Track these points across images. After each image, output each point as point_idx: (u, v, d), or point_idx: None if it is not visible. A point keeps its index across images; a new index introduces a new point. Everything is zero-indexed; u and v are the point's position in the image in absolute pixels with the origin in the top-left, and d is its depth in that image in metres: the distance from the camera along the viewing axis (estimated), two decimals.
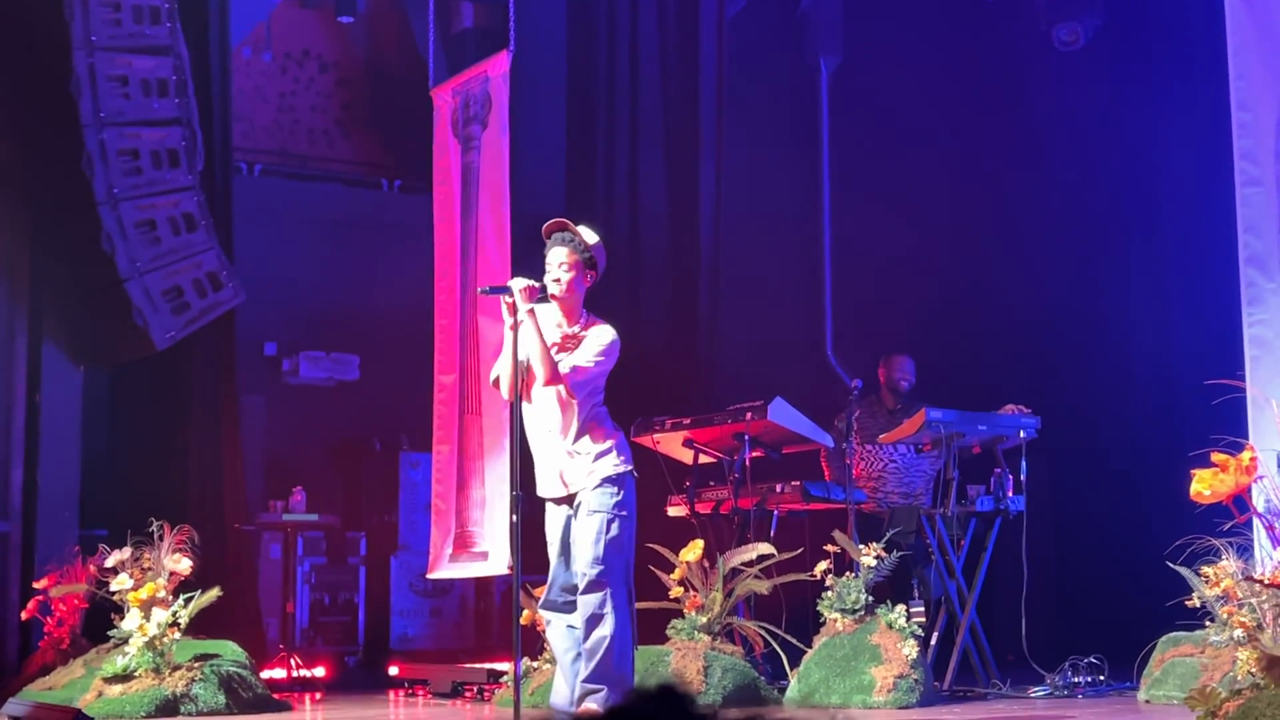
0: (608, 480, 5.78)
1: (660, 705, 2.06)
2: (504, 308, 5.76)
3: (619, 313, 5.97)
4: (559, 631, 5.82)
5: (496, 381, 5.89)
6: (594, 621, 5.69)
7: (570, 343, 5.85)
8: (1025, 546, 7.86)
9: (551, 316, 5.90)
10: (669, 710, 2.06)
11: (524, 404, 5.86)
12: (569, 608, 5.81)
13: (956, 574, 7.92)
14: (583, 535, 5.75)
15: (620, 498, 5.77)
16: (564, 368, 5.75)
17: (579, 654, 5.76)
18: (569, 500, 5.83)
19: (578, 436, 5.80)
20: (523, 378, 5.78)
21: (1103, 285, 10.84)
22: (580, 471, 5.81)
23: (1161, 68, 10.60)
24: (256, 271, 9.60)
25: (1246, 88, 7.58)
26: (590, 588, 5.70)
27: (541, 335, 5.74)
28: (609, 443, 5.83)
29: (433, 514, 9.10)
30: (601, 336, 5.86)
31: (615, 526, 5.73)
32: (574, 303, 5.88)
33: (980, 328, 11.11)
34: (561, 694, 5.79)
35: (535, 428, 5.90)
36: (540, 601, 5.92)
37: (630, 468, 5.86)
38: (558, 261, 5.84)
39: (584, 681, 5.68)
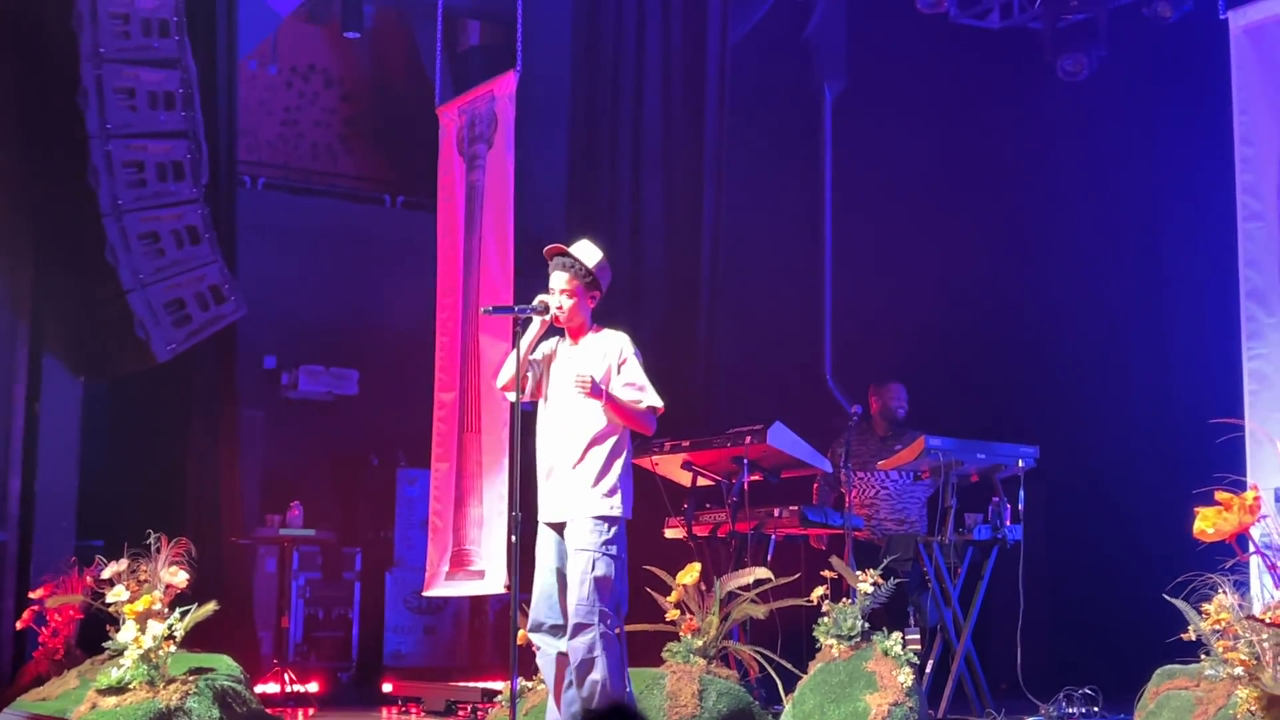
0: (599, 518, 5.71)
1: None
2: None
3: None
4: (548, 659, 5.80)
5: (504, 386, 5.91)
6: (585, 667, 5.62)
7: (579, 355, 5.87)
8: (1022, 576, 7.87)
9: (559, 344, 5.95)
10: None
11: (540, 422, 5.88)
12: (556, 633, 5.78)
13: (953, 602, 7.91)
14: (570, 575, 5.71)
15: (609, 536, 5.70)
16: (627, 396, 5.77)
17: (570, 683, 5.73)
18: (561, 528, 5.80)
19: (589, 462, 5.76)
20: (532, 387, 5.83)
21: (1103, 315, 10.87)
22: (571, 502, 5.77)
23: (1165, 101, 10.64)
24: (258, 285, 9.61)
25: (1250, 122, 7.62)
26: (577, 631, 5.64)
27: (619, 400, 5.80)
28: (614, 483, 5.77)
29: (430, 531, 9.10)
30: (627, 352, 5.89)
31: (601, 566, 5.65)
32: (579, 323, 5.92)
33: (980, 356, 11.13)
34: (554, 718, 5.78)
35: (546, 447, 5.88)
36: (529, 624, 5.89)
37: (625, 516, 5.80)
38: (558, 287, 5.89)
39: None
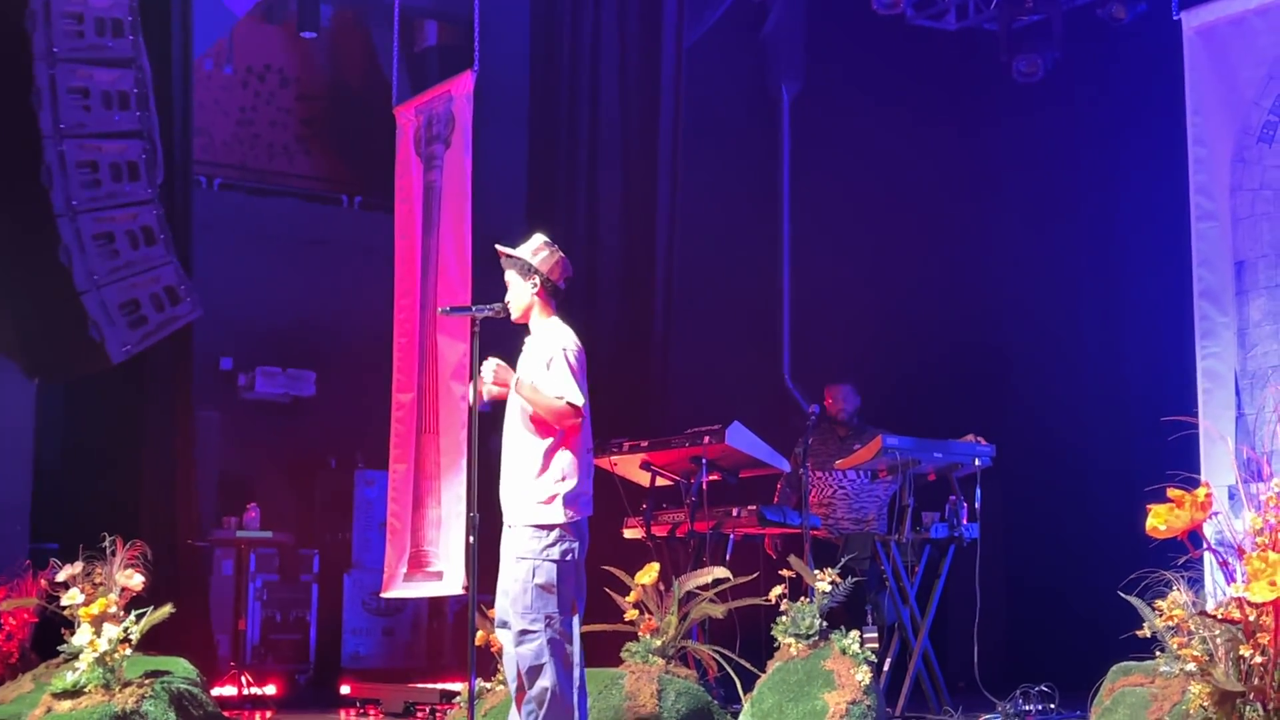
0: (538, 526, 5.63)
1: None
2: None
3: (576, 334, 5.93)
4: (510, 657, 5.78)
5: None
6: (534, 674, 5.58)
7: (526, 349, 5.86)
8: (979, 574, 7.90)
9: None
10: None
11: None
12: None
13: (910, 600, 7.95)
14: (510, 584, 5.67)
15: (550, 541, 5.61)
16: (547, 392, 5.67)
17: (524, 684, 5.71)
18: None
19: (526, 466, 5.72)
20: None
21: (1058, 315, 10.93)
22: (513, 504, 5.73)
23: (1119, 102, 10.71)
24: (214, 286, 9.56)
25: (1203, 123, 7.69)
26: (522, 639, 5.60)
27: (536, 390, 5.72)
28: (557, 487, 5.66)
29: (388, 533, 9.07)
30: (554, 351, 5.74)
31: (542, 573, 5.58)
32: (523, 313, 5.89)
33: (937, 355, 11.18)
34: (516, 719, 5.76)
35: (504, 446, 5.87)
36: (495, 622, 5.88)
37: (575, 518, 5.66)
38: (507, 281, 5.89)
39: None
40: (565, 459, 5.70)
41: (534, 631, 5.57)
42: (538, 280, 5.82)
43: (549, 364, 5.71)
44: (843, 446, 8.77)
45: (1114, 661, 6.94)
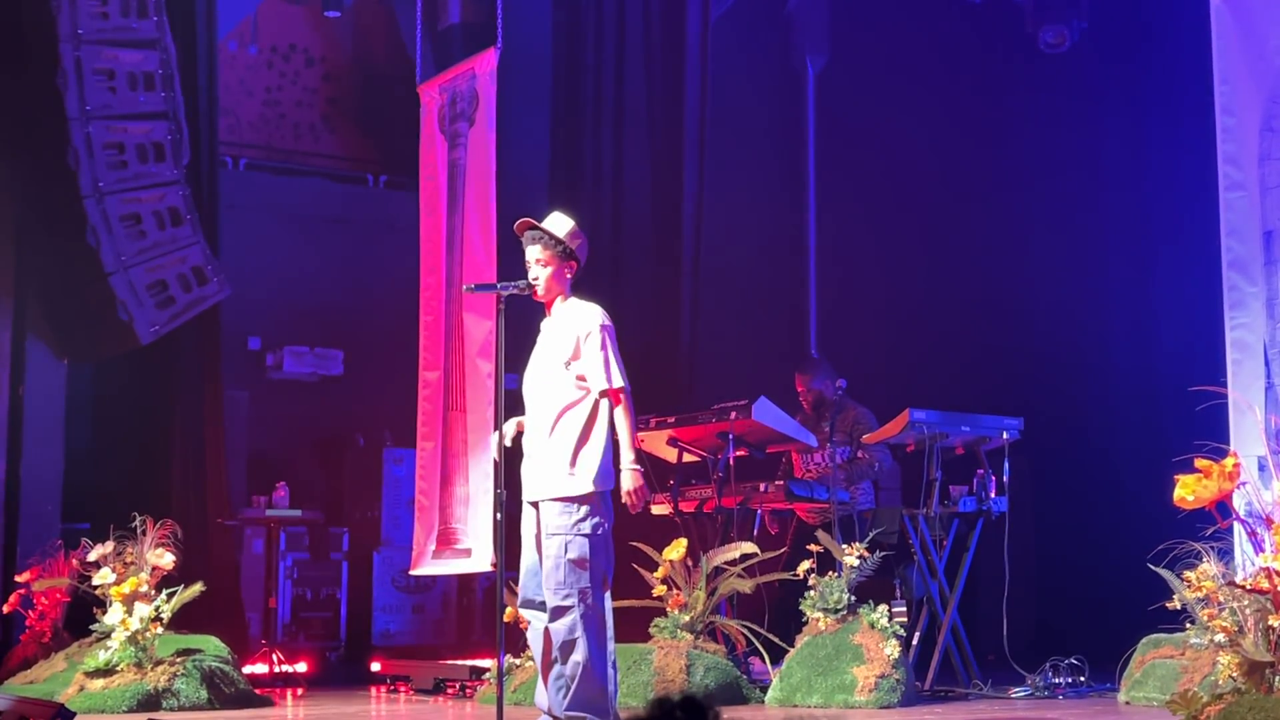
0: (567, 499, 5.65)
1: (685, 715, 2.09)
2: None
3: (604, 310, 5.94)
4: (537, 633, 5.80)
5: None
6: (567, 648, 5.60)
7: (552, 328, 5.86)
8: (1007, 547, 7.88)
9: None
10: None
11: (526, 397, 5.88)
12: (545, 608, 5.78)
13: (939, 574, 7.93)
14: (545, 559, 5.68)
15: (580, 516, 5.63)
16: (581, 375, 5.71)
17: (556, 658, 5.73)
18: (536, 505, 5.79)
19: (554, 441, 5.75)
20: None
21: (1086, 287, 10.87)
22: (541, 480, 5.74)
23: (1147, 71, 10.63)
24: (241, 266, 9.60)
25: (1230, 92, 7.61)
26: (556, 614, 5.61)
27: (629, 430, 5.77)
28: (583, 458, 5.68)
29: (416, 510, 9.10)
30: (592, 326, 5.77)
31: (574, 548, 5.61)
32: (555, 295, 5.89)
33: (964, 327, 11.13)
34: (543, 696, 5.77)
35: (526, 422, 5.88)
36: (519, 600, 5.89)
37: (602, 489, 5.69)
38: (533, 259, 5.86)
39: (567, 710, 5.64)
40: (597, 425, 5.71)
41: (567, 607, 5.59)
42: (574, 265, 5.85)
43: (585, 339, 5.72)
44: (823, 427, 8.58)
45: (1144, 633, 6.94)
